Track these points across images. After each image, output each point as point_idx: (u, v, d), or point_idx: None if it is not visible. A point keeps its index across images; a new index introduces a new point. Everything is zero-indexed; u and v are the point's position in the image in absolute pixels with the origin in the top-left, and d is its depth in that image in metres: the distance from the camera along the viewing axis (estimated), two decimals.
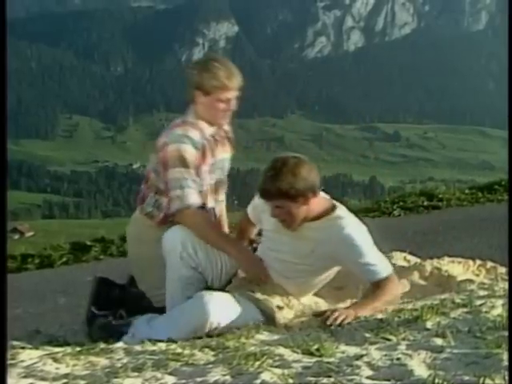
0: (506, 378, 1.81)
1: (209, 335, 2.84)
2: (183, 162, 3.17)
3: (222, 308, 2.93)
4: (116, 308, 3.31)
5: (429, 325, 2.49)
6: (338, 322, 2.72)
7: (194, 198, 3.17)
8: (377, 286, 3.04)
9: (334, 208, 3.11)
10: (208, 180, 3.34)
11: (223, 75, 3.22)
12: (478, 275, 3.73)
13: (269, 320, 3.00)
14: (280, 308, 3.06)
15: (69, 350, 2.68)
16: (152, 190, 3.35)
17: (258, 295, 3.09)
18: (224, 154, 3.46)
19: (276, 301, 3.09)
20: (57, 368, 2.34)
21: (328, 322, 2.72)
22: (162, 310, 3.21)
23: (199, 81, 3.24)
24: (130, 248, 3.59)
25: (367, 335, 2.46)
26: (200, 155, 3.25)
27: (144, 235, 3.38)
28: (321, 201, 3.09)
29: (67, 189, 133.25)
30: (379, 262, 3.06)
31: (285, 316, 3.03)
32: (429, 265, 3.78)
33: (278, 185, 2.91)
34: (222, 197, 3.54)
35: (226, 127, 3.52)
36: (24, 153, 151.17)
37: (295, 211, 2.99)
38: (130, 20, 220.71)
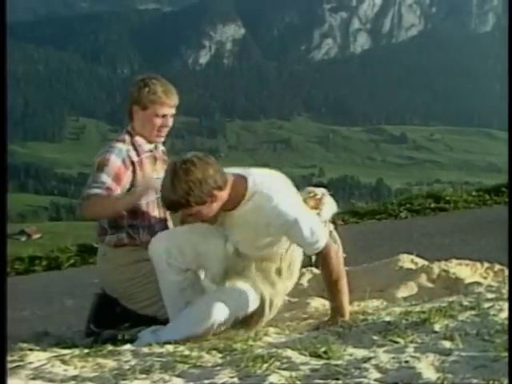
0: None
1: (215, 333, 2.84)
2: (100, 168, 3.22)
3: (227, 304, 2.92)
4: (119, 324, 3.32)
5: (437, 327, 2.48)
6: None
7: (95, 191, 3.17)
8: (321, 261, 2.99)
9: (247, 186, 2.96)
10: (150, 195, 3.34)
11: (160, 90, 3.34)
12: (485, 278, 3.72)
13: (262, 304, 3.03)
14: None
15: (77, 351, 2.69)
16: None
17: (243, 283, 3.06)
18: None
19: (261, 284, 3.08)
20: (65, 370, 2.35)
21: None
22: (166, 321, 3.21)
23: (137, 95, 3.35)
24: (108, 282, 3.48)
25: (375, 338, 2.45)
26: (127, 166, 3.29)
27: (120, 263, 3.37)
28: (234, 187, 2.95)
29: (74, 191, 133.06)
30: (315, 231, 2.94)
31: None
32: (436, 267, 3.78)
33: (175, 198, 2.82)
34: None
35: (162, 148, 3.57)
36: (31, 155, 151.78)
37: (206, 212, 2.91)
38: (137, 22, 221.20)
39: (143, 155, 3.37)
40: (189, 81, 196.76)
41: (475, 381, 1.86)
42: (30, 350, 2.79)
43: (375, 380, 1.96)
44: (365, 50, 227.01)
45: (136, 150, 3.35)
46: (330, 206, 4.62)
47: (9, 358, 2.58)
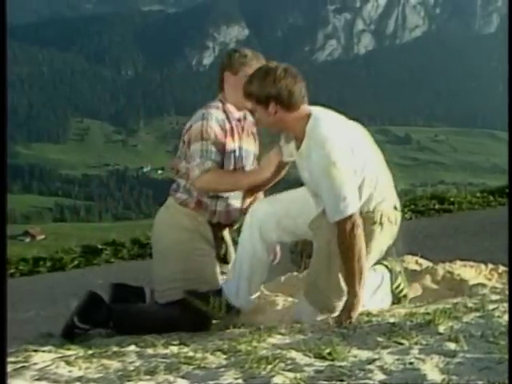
0: None
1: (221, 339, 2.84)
2: (203, 135, 3.22)
3: None
4: (102, 322, 3.33)
5: (441, 329, 2.48)
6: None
7: (209, 164, 3.19)
8: (341, 233, 2.88)
9: (307, 122, 2.97)
10: (234, 162, 3.36)
11: (250, 54, 3.38)
12: (490, 279, 3.72)
13: None
14: None
15: (81, 352, 2.70)
16: (183, 177, 3.37)
17: None
18: (249, 146, 3.47)
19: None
20: (69, 371, 2.35)
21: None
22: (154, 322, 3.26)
23: (228, 61, 3.39)
24: (158, 235, 3.48)
25: (379, 339, 2.45)
26: (224, 133, 3.30)
27: (177, 223, 3.37)
28: (299, 119, 2.97)
29: (78, 192, 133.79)
30: (348, 196, 2.85)
31: None
32: (441, 268, 3.77)
33: (246, 85, 3.00)
34: None
35: (251, 119, 3.51)
36: (35, 156, 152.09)
37: (264, 117, 3.00)
38: (141, 24, 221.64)
39: (233, 123, 3.37)
40: (192, 82, 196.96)
41: (480, 383, 1.86)
42: (35, 350, 2.79)
43: (380, 381, 1.96)
44: (369, 50, 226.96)
45: (228, 117, 3.36)
46: None
47: (13, 359, 2.59)
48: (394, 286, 3.35)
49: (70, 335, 3.26)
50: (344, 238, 2.87)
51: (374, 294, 3.21)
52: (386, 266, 3.36)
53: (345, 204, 2.84)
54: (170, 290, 3.32)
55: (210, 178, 3.19)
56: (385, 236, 3.10)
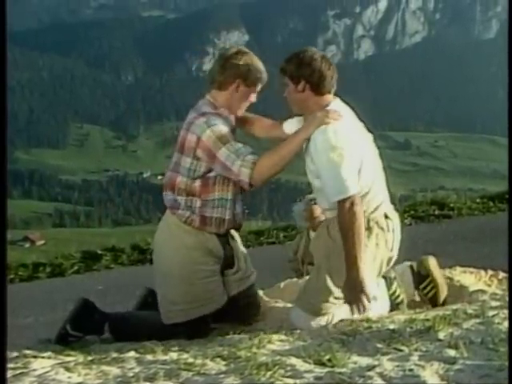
0: None
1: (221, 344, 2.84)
2: (222, 140, 3.17)
3: None
4: (94, 330, 3.34)
5: (441, 335, 2.47)
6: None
7: (251, 158, 3.14)
8: (341, 212, 3.00)
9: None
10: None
11: (262, 69, 3.37)
12: (489, 285, 3.71)
13: None
14: None
15: (81, 359, 2.69)
16: (182, 194, 3.30)
17: None
18: None
19: None
20: (69, 377, 2.35)
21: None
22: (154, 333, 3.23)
23: (245, 71, 3.30)
24: (160, 255, 3.42)
25: (379, 346, 2.45)
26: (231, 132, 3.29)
27: (180, 243, 3.30)
28: (322, 105, 3.13)
29: (78, 197, 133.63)
30: (348, 178, 2.99)
31: None
32: None
33: (284, 62, 3.20)
34: None
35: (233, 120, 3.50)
36: (35, 162, 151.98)
37: (292, 92, 3.17)
38: (141, 29, 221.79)
39: (229, 126, 3.32)
40: (192, 87, 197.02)
41: None
42: (34, 357, 2.79)
43: None
44: (368, 56, 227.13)
45: (226, 120, 3.32)
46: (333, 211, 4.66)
47: (13, 365, 2.59)
48: (390, 292, 3.36)
49: (63, 342, 3.26)
50: (344, 217, 2.98)
51: (374, 301, 3.22)
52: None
53: (345, 185, 2.98)
54: (173, 312, 3.29)
55: (262, 170, 3.14)
56: (378, 244, 3.14)
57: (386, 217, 3.20)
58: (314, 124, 3.08)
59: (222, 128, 3.21)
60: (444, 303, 3.41)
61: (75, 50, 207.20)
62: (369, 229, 3.09)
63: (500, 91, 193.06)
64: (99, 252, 10.14)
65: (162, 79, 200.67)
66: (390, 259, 3.25)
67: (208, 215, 3.26)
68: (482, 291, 3.51)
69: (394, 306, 3.38)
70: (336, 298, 3.11)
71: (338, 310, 3.12)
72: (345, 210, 2.97)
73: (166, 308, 3.35)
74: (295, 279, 4.21)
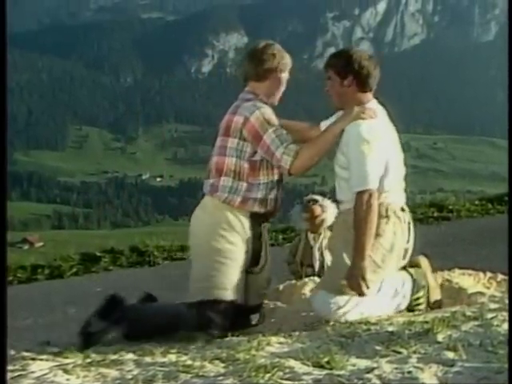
0: None
1: (219, 347, 2.83)
2: (269, 123, 3.28)
3: None
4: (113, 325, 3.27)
5: (440, 338, 2.47)
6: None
7: (293, 147, 3.26)
8: (357, 202, 3.14)
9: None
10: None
11: (288, 56, 3.52)
12: (488, 288, 3.71)
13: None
14: None
15: (79, 361, 2.69)
16: (228, 175, 3.33)
17: None
18: None
19: None
20: (67, 379, 2.35)
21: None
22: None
23: (279, 59, 3.45)
24: (193, 234, 3.44)
25: (378, 348, 2.45)
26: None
27: (214, 221, 3.32)
28: (362, 102, 3.28)
29: (77, 199, 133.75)
30: (371, 173, 3.14)
31: None
32: (439, 277, 3.77)
33: (333, 56, 3.36)
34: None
35: None
36: (34, 164, 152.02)
37: (336, 86, 3.30)
38: (140, 31, 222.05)
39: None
40: (191, 89, 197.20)
41: None
42: (33, 359, 2.77)
43: None
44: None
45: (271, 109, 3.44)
46: (332, 211, 4.69)
47: (11, 367, 2.58)
48: (414, 297, 3.38)
49: (86, 337, 3.19)
50: (360, 208, 3.13)
51: (395, 297, 3.30)
52: (411, 275, 3.42)
53: (368, 178, 3.14)
54: (195, 289, 3.30)
55: (302, 160, 3.25)
56: (396, 232, 3.28)
57: (403, 210, 3.36)
58: (350, 117, 3.24)
59: (269, 112, 3.34)
60: (437, 307, 3.41)
61: (74, 51, 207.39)
62: (387, 216, 3.24)
63: (499, 93, 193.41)
64: (98, 254, 10.16)
65: (161, 81, 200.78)
66: (406, 251, 3.37)
67: (252, 196, 3.33)
68: (481, 293, 3.50)
69: (411, 308, 3.40)
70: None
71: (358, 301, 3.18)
72: (363, 201, 3.12)
73: (191, 285, 3.34)
74: (294, 281, 4.21)
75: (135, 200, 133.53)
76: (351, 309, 3.14)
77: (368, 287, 3.10)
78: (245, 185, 3.32)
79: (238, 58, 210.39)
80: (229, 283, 3.28)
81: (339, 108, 3.39)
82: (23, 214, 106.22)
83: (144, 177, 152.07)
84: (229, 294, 3.27)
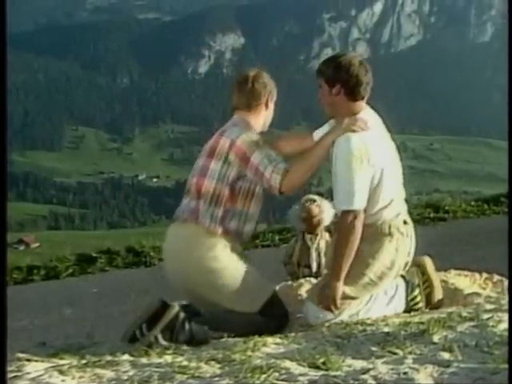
0: None
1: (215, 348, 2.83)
2: (256, 145, 3.24)
3: None
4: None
5: (436, 338, 2.47)
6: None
7: (283, 166, 3.20)
8: (341, 222, 3.08)
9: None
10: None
11: (272, 80, 3.51)
12: (484, 288, 3.71)
13: None
14: None
15: (75, 362, 2.68)
16: (205, 198, 3.25)
17: None
18: None
19: None
20: (63, 380, 2.34)
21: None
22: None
23: (270, 89, 3.45)
24: (192, 268, 3.25)
25: (374, 349, 2.45)
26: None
27: (215, 253, 3.22)
28: (353, 111, 3.17)
29: (73, 200, 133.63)
30: (357, 193, 3.04)
31: None
32: None
33: (322, 64, 3.24)
34: None
35: None
36: (30, 164, 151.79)
37: (326, 95, 3.19)
38: (137, 32, 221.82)
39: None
40: (188, 90, 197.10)
41: None
42: (28, 360, 2.77)
43: None
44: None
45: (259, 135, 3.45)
46: (329, 211, 4.69)
47: (7, 369, 2.57)
48: (410, 298, 3.38)
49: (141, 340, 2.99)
50: (343, 227, 3.06)
51: (390, 304, 3.28)
52: (403, 277, 3.41)
53: (354, 198, 3.04)
54: (245, 303, 3.23)
55: (293, 178, 3.18)
56: (398, 248, 3.21)
57: (405, 223, 3.29)
58: (340, 130, 3.15)
59: (256, 135, 3.30)
60: (438, 306, 3.42)
61: (71, 52, 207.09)
62: (390, 234, 3.18)
63: (495, 94, 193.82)
64: (94, 255, 10.15)
65: (158, 82, 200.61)
66: (406, 263, 3.33)
67: (227, 226, 3.24)
68: (477, 294, 3.51)
69: (409, 310, 3.39)
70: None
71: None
72: (346, 221, 3.05)
73: (234, 304, 3.22)
74: (290, 282, 4.21)
75: (132, 200, 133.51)
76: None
77: (337, 308, 3.08)
78: (221, 211, 3.23)
79: (234, 58, 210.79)
80: (261, 281, 3.32)
81: (331, 117, 3.32)
82: (19, 215, 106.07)
83: (140, 177, 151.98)
84: (269, 287, 3.36)
